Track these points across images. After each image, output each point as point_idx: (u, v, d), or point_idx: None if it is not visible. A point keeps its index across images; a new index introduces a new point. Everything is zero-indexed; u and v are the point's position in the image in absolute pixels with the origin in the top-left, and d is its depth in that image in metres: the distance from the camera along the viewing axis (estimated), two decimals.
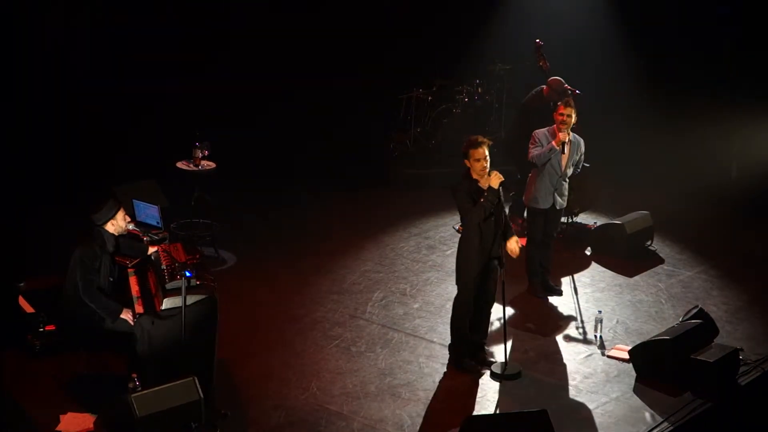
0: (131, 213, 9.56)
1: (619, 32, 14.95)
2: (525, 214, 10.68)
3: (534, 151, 9.75)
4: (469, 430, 7.22)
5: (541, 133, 9.82)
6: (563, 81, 11.43)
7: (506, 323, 8.63)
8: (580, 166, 10.02)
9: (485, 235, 8.36)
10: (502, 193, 8.37)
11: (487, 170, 8.33)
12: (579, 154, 9.90)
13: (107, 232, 7.87)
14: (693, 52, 15.03)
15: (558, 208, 9.95)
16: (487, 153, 8.31)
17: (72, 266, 7.72)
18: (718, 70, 14.98)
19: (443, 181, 13.55)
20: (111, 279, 7.89)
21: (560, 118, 9.70)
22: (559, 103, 9.86)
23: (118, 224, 7.91)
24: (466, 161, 8.37)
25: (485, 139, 8.36)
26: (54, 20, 12.86)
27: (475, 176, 8.37)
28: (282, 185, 13.14)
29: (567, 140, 9.72)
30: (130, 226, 9.33)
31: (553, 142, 9.68)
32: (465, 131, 14.28)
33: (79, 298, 7.64)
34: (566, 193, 9.95)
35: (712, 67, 14.97)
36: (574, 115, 9.71)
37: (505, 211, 8.56)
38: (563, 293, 10.25)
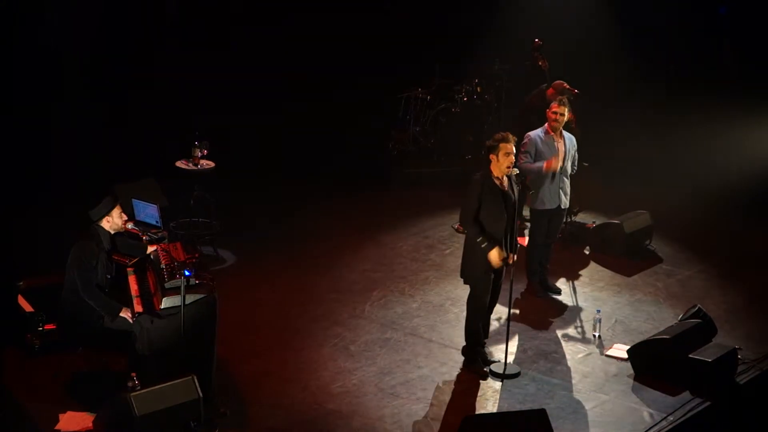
0: (130, 212, 9.57)
1: (619, 31, 14.96)
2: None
3: (524, 165, 9.60)
4: (468, 429, 7.22)
5: (534, 135, 9.75)
6: (565, 83, 11.47)
7: (509, 323, 8.63)
8: (577, 163, 10.02)
9: (497, 234, 8.32)
10: (516, 195, 8.36)
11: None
12: (573, 149, 9.91)
13: (103, 229, 7.87)
14: (693, 51, 15.05)
15: (563, 207, 9.94)
16: (513, 147, 8.34)
17: (69, 264, 7.72)
18: (718, 69, 15.00)
19: (442, 181, 13.63)
20: (109, 276, 7.89)
21: (553, 116, 9.72)
22: (552, 102, 9.87)
23: (113, 222, 7.91)
24: (492, 156, 8.33)
25: (510, 134, 8.39)
26: (53, 16, 12.87)
27: (498, 173, 8.34)
28: (281, 184, 13.13)
29: (561, 138, 9.74)
30: (129, 225, 9.34)
31: (544, 167, 9.61)
32: (464, 131, 14.35)
33: (77, 295, 7.65)
34: (569, 191, 9.93)
35: (712, 67, 14.99)
36: (567, 114, 9.74)
37: (515, 219, 8.49)
38: (562, 292, 10.26)
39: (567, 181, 9.87)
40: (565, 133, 9.87)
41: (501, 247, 8.32)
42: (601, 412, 8.07)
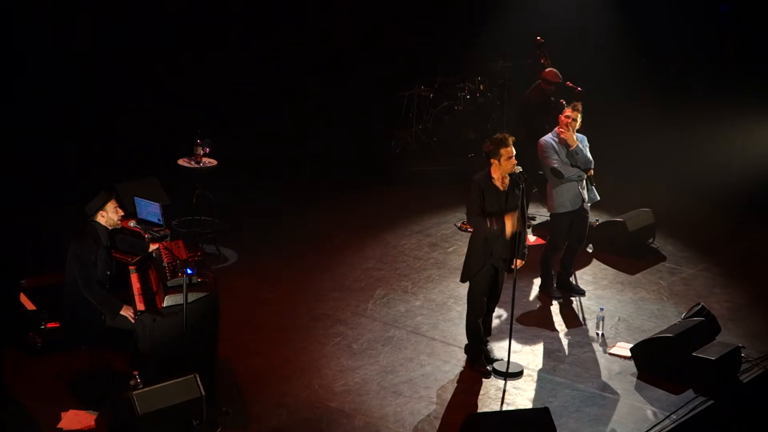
0: (133, 210, 9.56)
1: (621, 29, 14.95)
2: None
3: (561, 170, 9.53)
4: (471, 428, 7.22)
5: (548, 144, 9.61)
6: (558, 73, 11.41)
7: (512, 321, 8.63)
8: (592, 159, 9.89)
9: (492, 234, 8.30)
10: (521, 194, 8.30)
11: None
12: (585, 148, 9.80)
13: (100, 224, 7.86)
14: (694, 49, 15.05)
15: (586, 207, 9.79)
16: (514, 149, 8.26)
17: (69, 262, 7.72)
18: (720, 67, 14.99)
19: (445, 179, 13.62)
20: (108, 272, 7.88)
21: (566, 120, 9.59)
22: (566, 106, 9.75)
23: (108, 216, 7.89)
24: (493, 160, 8.24)
25: (509, 135, 8.30)
26: (55, 17, 12.87)
27: (499, 175, 8.28)
28: (283, 182, 13.14)
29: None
30: (132, 224, 9.35)
31: (571, 146, 9.56)
32: (467, 129, 14.35)
33: (79, 293, 7.64)
34: (592, 185, 9.78)
35: (714, 65, 14.98)
36: (579, 119, 9.62)
37: (523, 222, 8.40)
38: (586, 293, 10.19)
39: (585, 176, 9.75)
40: (577, 134, 9.75)
41: (498, 247, 8.33)
42: (604, 410, 8.06)
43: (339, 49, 14.91)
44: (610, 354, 8.99)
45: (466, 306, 8.68)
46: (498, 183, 8.28)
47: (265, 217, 12.03)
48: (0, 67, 12.36)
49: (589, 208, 9.91)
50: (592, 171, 9.79)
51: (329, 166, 13.76)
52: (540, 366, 8.74)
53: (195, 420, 7.15)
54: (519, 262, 8.45)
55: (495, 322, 9.09)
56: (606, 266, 11.00)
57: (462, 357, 8.77)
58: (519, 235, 8.33)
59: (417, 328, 9.36)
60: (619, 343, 9.14)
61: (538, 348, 9.09)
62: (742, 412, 8.37)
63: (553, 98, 11.60)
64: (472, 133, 14.29)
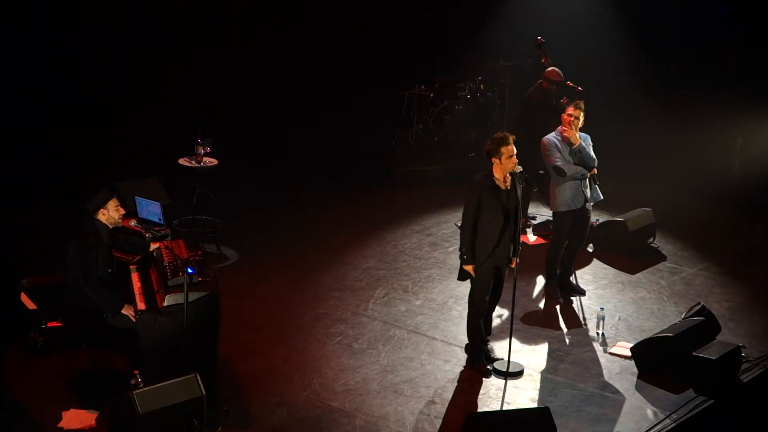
0: (133, 210, 9.57)
1: (621, 29, 14.94)
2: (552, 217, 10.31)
3: (564, 168, 9.50)
4: (472, 428, 7.22)
5: (551, 143, 9.60)
6: (560, 72, 11.40)
7: (512, 321, 8.63)
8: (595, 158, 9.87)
9: (491, 234, 8.31)
10: (520, 193, 8.32)
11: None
12: (589, 147, 9.79)
13: (100, 222, 7.86)
14: (695, 49, 15.03)
15: (588, 207, 9.78)
16: (514, 147, 8.26)
17: (70, 261, 7.72)
18: (721, 66, 14.98)
19: (445, 178, 13.62)
20: (110, 270, 7.88)
21: (568, 119, 9.57)
22: (569, 105, 9.75)
23: (109, 215, 7.89)
24: (495, 159, 8.26)
25: (509, 134, 8.29)
26: (55, 17, 12.86)
27: (500, 174, 8.29)
28: (284, 182, 13.14)
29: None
30: (132, 223, 9.35)
31: (574, 145, 9.55)
32: (467, 128, 14.35)
33: (79, 292, 7.64)
34: (595, 184, 9.80)
35: (715, 64, 14.97)
36: (582, 117, 9.62)
37: (518, 221, 8.41)
38: (586, 293, 10.19)
39: (588, 174, 9.75)
40: (580, 133, 9.74)
41: (498, 247, 8.33)
42: (604, 410, 8.06)
43: (339, 48, 14.89)
44: (611, 354, 8.99)
45: (466, 305, 8.69)
46: (500, 182, 8.29)
47: (266, 217, 12.04)
48: (0, 67, 12.35)
49: (591, 208, 9.92)
50: (595, 170, 9.78)
51: (329, 166, 13.76)
52: (540, 365, 8.75)
53: (195, 419, 7.16)
54: (514, 260, 8.46)
55: (496, 321, 9.11)
56: (606, 266, 11.00)
57: (462, 356, 8.78)
58: (515, 234, 8.35)
59: (417, 328, 9.36)
60: (619, 343, 9.14)
61: (539, 347, 9.09)
62: (742, 412, 8.37)
63: (554, 98, 11.60)
64: (473, 132, 14.29)
